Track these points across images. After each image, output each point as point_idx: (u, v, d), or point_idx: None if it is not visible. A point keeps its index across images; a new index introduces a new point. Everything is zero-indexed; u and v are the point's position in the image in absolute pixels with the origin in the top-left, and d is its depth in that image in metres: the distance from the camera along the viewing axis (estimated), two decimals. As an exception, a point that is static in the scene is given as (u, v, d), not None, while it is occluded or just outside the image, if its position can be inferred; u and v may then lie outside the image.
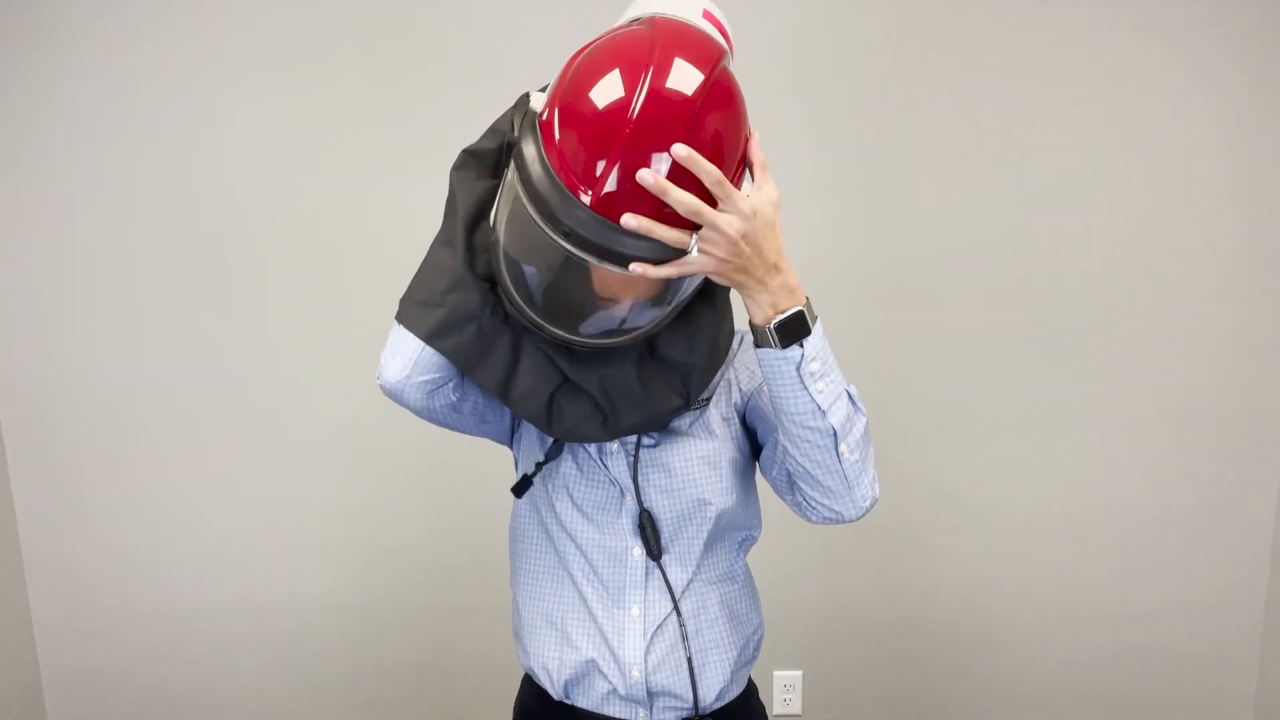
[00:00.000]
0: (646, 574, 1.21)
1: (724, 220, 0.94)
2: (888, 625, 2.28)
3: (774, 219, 0.98)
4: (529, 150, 0.97)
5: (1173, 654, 2.30)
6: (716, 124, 0.96)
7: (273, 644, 2.27)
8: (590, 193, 0.94)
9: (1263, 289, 2.13)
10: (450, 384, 1.14)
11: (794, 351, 1.01)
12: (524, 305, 1.07)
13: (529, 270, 1.07)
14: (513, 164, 1.01)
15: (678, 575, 1.22)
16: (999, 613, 2.28)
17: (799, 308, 1.01)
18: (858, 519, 1.10)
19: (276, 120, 2.04)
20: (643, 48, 0.96)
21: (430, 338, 1.09)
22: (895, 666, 2.31)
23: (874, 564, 2.25)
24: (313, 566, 2.23)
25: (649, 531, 1.19)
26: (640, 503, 1.20)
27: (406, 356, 1.11)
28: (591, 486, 1.21)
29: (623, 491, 1.20)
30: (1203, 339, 2.15)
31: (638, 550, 1.21)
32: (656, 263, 0.96)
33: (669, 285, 1.06)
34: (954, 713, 2.34)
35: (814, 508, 1.11)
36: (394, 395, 1.13)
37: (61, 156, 2.04)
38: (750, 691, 1.33)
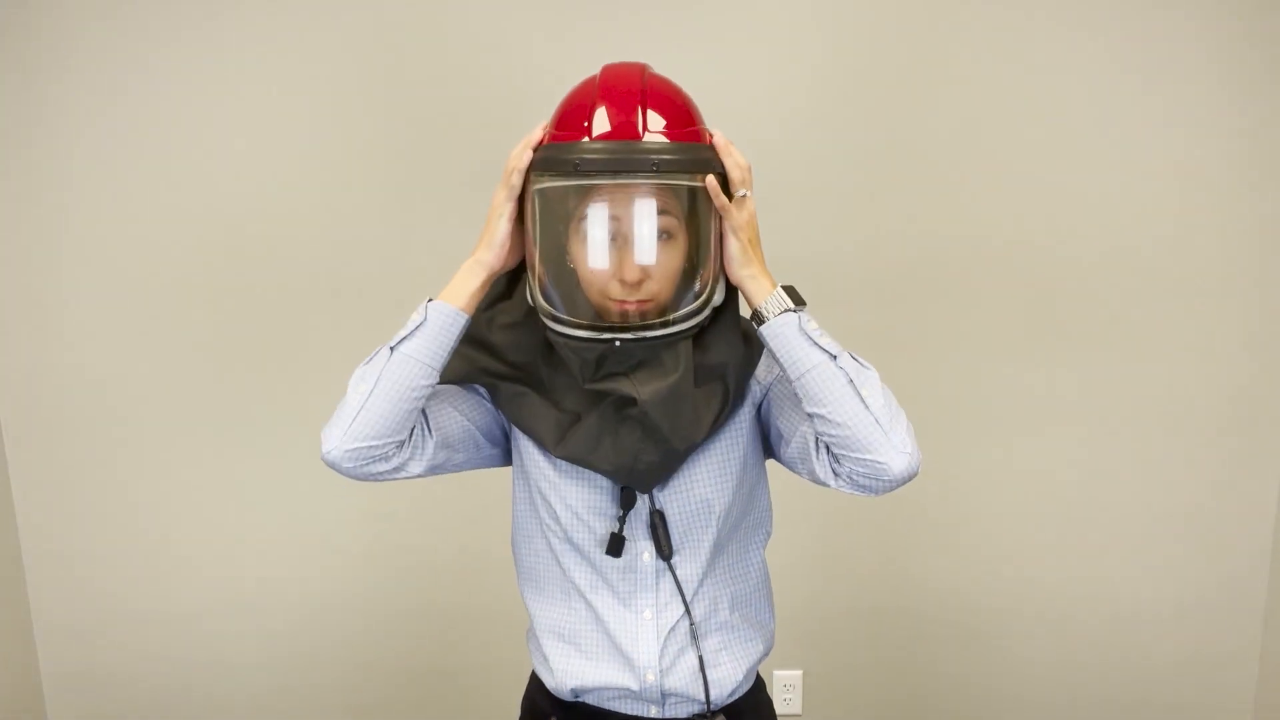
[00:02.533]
0: (657, 576, 1.21)
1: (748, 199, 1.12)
2: (888, 625, 2.28)
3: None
4: (534, 158, 1.11)
5: (1172, 654, 2.30)
6: (662, 80, 1.15)
7: (272, 644, 2.27)
8: (586, 136, 1.08)
9: (1263, 289, 2.13)
10: (390, 450, 1.13)
11: (796, 313, 1.11)
12: (564, 316, 1.11)
13: (563, 268, 1.13)
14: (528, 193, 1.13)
15: (689, 575, 1.21)
16: (999, 612, 2.28)
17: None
18: (905, 477, 1.09)
19: (279, 121, 2.04)
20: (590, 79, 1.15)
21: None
22: (895, 666, 2.31)
23: (874, 564, 2.25)
24: (313, 567, 2.23)
25: (660, 532, 1.19)
26: (652, 502, 1.19)
27: (351, 422, 1.11)
28: (594, 492, 1.20)
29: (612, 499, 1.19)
30: (1203, 338, 2.15)
31: (648, 554, 1.20)
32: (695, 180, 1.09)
33: (694, 256, 1.12)
34: (954, 712, 2.34)
35: (856, 469, 1.09)
36: (332, 464, 1.12)
37: (62, 157, 2.04)
38: (759, 686, 1.34)
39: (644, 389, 1.11)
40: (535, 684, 1.32)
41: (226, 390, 2.14)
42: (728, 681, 1.23)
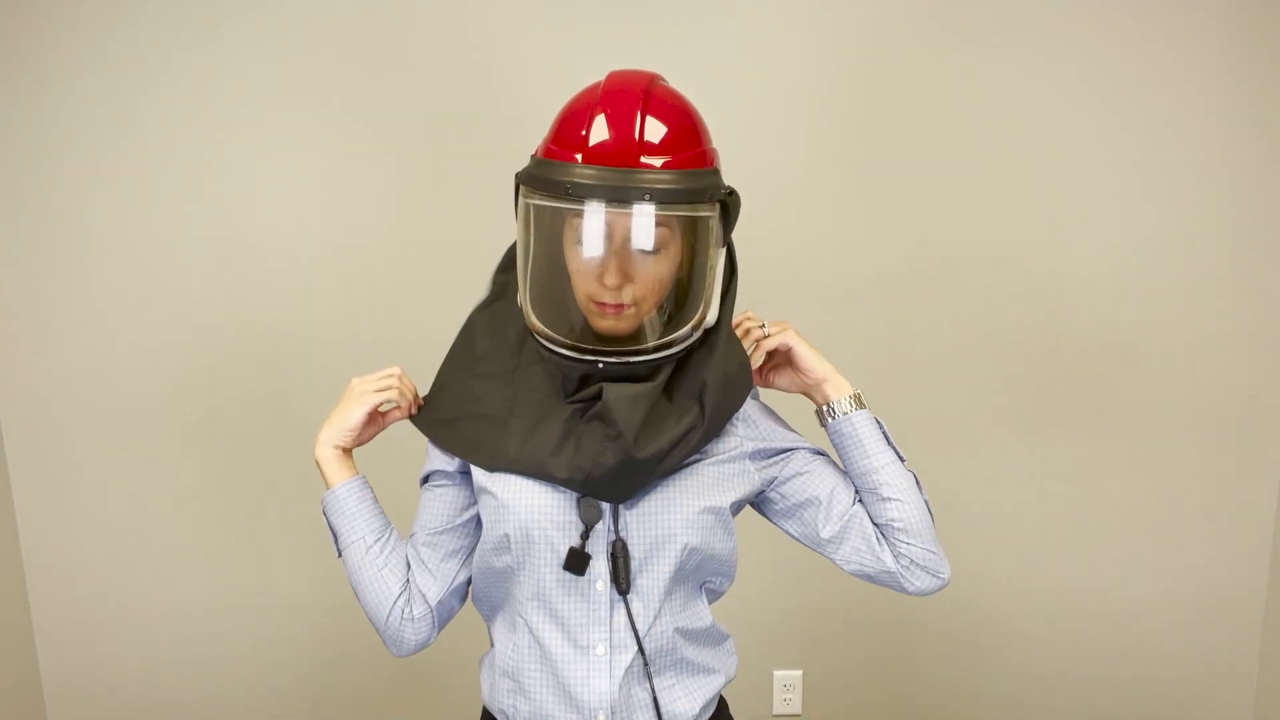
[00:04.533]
0: (611, 608, 1.14)
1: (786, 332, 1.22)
2: (888, 625, 2.28)
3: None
4: (523, 172, 1.10)
5: (1172, 655, 2.30)
6: (669, 94, 1.11)
7: (271, 645, 2.26)
8: (580, 154, 1.06)
9: (1263, 289, 2.13)
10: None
11: (870, 415, 1.21)
12: (552, 333, 1.10)
13: (552, 281, 1.11)
14: (518, 203, 1.12)
15: (642, 611, 1.15)
16: (999, 612, 2.28)
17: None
18: (947, 581, 1.23)
19: (282, 122, 2.04)
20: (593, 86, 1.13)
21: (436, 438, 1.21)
22: (895, 666, 2.31)
23: (874, 564, 2.25)
24: (312, 569, 2.22)
25: (620, 562, 1.12)
26: (615, 529, 1.13)
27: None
28: (556, 506, 1.13)
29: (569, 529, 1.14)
30: (1203, 339, 2.15)
31: (602, 582, 1.14)
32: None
33: (685, 276, 1.11)
34: (954, 712, 2.34)
35: (923, 557, 1.20)
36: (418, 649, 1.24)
37: (65, 158, 2.04)
38: (720, 710, 1.30)
39: (612, 389, 1.10)
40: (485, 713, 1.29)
41: (226, 391, 2.14)
42: (684, 717, 1.19)
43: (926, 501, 1.22)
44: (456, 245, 2.05)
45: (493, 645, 1.25)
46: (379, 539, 1.20)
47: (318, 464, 1.19)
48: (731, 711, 1.34)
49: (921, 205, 2.09)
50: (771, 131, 2.04)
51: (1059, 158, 2.07)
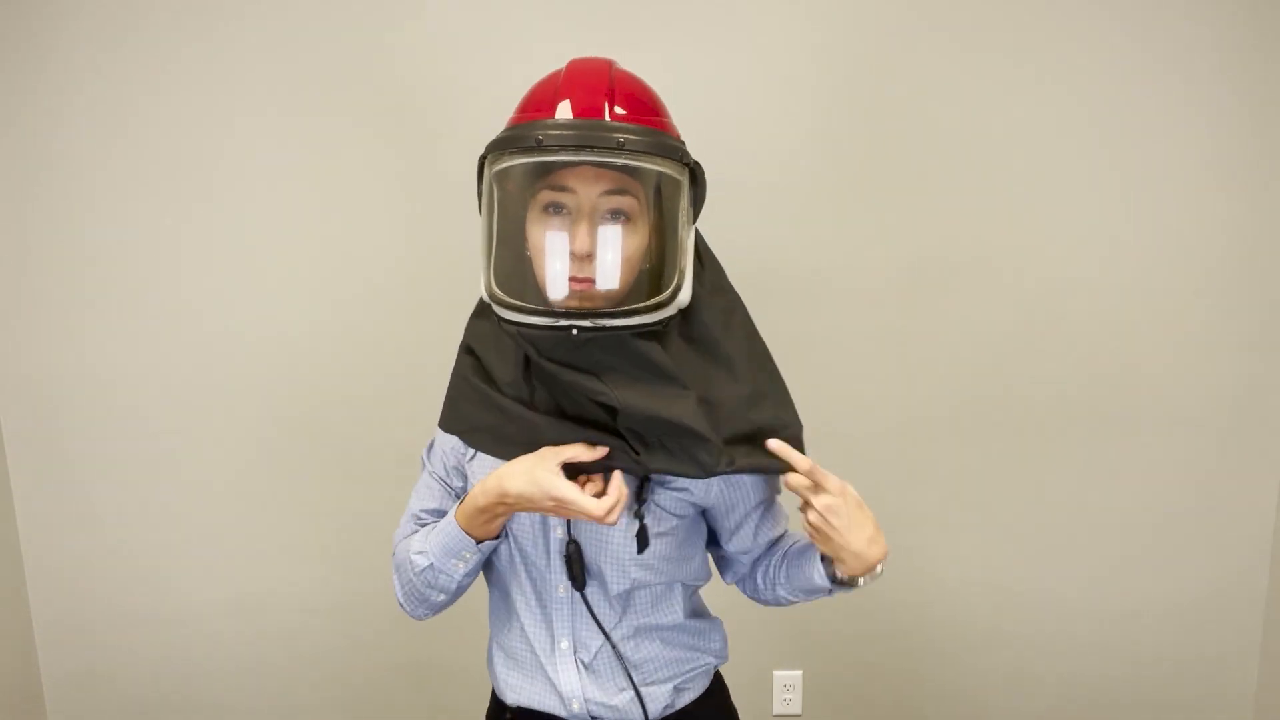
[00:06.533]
0: (573, 606, 1.19)
1: (828, 490, 1.10)
2: (887, 625, 2.28)
3: (858, 499, 1.12)
4: (492, 141, 1.07)
5: (1172, 654, 2.30)
6: (631, 76, 1.10)
7: (272, 645, 2.27)
8: (552, 113, 1.04)
9: (1263, 289, 2.13)
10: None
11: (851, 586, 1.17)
12: (516, 302, 1.06)
13: (518, 253, 1.08)
14: (483, 176, 1.10)
15: (605, 611, 1.19)
16: (998, 612, 2.28)
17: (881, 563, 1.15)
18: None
19: (284, 124, 2.04)
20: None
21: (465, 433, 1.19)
22: (895, 666, 2.31)
23: (874, 564, 2.24)
24: (312, 568, 2.22)
25: (575, 563, 1.15)
26: (569, 532, 1.16)
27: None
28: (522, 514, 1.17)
29: (546, 520, 1.17)
30: (1202, 339, 2.15)
31: (563, 587, 1.18)
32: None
33: (658, 243, 1.09)
34: (954, 712, 2.34)
35: (777, 602, 1.29)
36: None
37: (67, 158, 2.04)
38: (716, 691, 1.32)
39: (621, 394, 1.06)
40: (494, 698, 1.34)
41: (226, 391, 2.14)
42: (661, 698, 1.22)
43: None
44: (463, 250, 2.05)
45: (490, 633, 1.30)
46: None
47: (502, 503, 1.11)
48: (731, 711, 1.34)
49: (921, 206, 2.09)
50: (763, 134, 2.04)
51: (1058, 158, 2.07)
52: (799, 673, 2.29)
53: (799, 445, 1.14)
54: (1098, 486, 2.21)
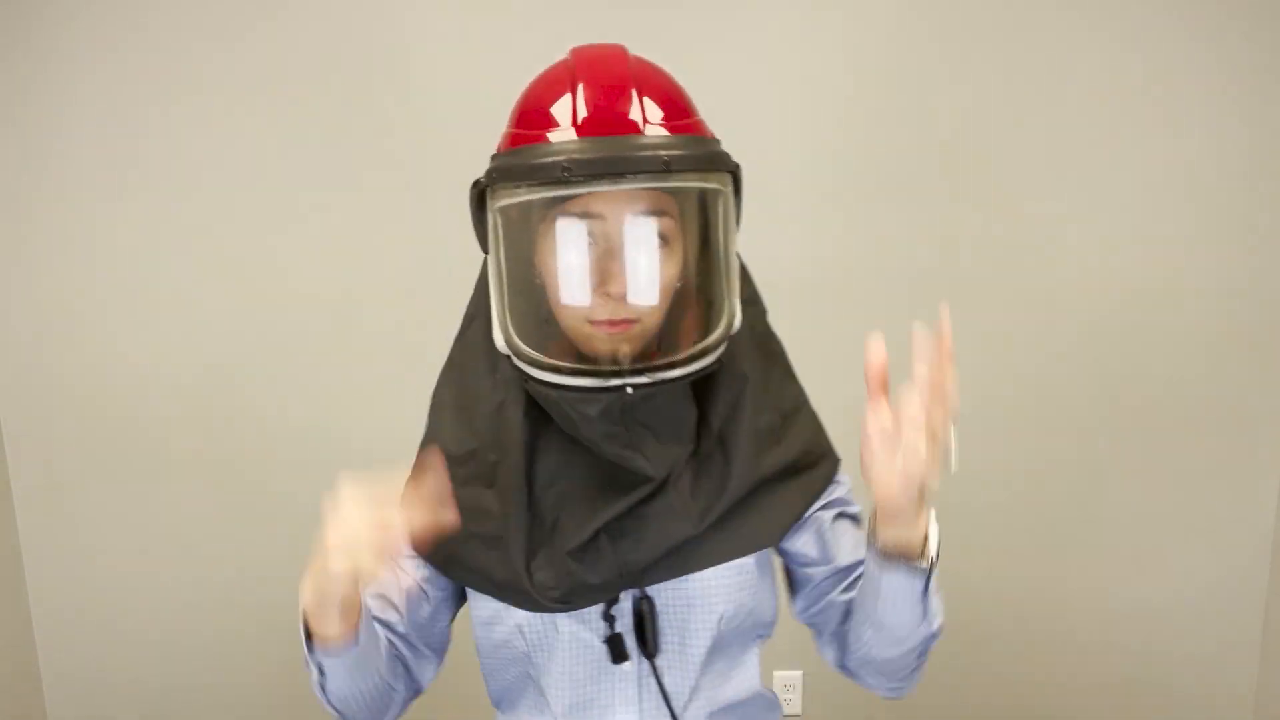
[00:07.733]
0: (640, 682, 0.95)
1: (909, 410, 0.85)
2: (888, 625, 2.28)
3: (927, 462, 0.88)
4: (491, 170, 0.87)
5: (1172, 654, 2.30)
6: (650, 67, 0.92)
7: (272, 644, 2.27)
8: (571, 130, 0.84)
9: (1263, 289, 2.13)
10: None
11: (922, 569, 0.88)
12: (559, 362, 0.86)
13: (545, 305, 0.88)
14: (484, 214, 0.89)
15: (678, 685, 0.95)
16: (998, 612, 2.28)
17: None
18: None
19: (286, 125, 2.04)
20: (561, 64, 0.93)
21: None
22: (895, 666, 2.31)
23: (874, 564, 2.24)
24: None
25: (647, 623, 0.91)
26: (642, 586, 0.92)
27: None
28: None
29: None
30: (1202, 338, 2.15)
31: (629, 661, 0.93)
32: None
33: (703, 270, 0.89)
34: (953, 712, 2.34)
35: (868, 680, 1.07)
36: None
37: (67, 159, 2.04)
38: None
39: (657, 463, 0.89)
40: None
41: (226, 391, 2.14)
42: None
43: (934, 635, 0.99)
44: (464, 261, 2.04)
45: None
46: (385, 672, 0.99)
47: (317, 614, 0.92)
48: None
49: (921, 206, 2.08)
50: (783, 133, 2.04)
51: (1061, 159, 2.07)
52: (799, 673, 2.29)
53: (832, 471, 1.01)
54: (1098, 486, 2.21)
